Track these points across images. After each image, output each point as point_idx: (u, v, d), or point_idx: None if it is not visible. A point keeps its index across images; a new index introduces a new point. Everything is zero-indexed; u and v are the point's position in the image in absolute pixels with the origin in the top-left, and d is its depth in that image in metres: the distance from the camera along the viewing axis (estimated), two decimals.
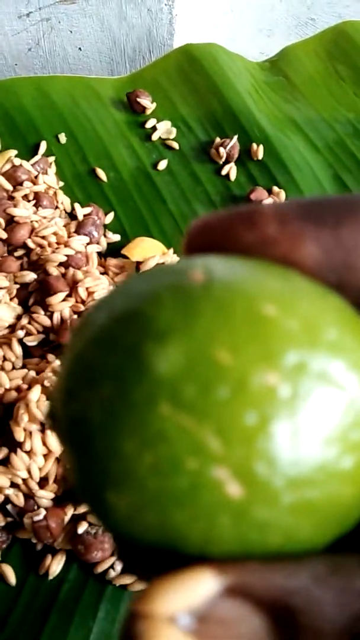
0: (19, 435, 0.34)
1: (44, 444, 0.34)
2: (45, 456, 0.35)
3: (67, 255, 0.40)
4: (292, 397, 0.09)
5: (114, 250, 0.44)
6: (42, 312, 0.39)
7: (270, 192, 0.47)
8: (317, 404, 0.10)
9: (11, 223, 0.42)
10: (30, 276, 0.40)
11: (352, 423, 0.10)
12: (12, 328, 0.39)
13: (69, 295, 0.39)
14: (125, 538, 0.10)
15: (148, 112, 0.51)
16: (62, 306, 0.38)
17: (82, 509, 0.34)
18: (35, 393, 0.35)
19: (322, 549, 0.10)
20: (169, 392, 0.09)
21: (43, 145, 0.48)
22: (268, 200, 0.45)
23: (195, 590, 0.09)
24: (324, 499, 0.10)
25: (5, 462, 0.34)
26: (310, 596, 0.09)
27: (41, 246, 0.41)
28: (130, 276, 0.09)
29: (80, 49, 0.69)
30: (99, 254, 0.44)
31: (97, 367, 0.10)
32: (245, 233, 0.12)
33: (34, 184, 0.45)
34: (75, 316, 0.39)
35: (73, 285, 0.39)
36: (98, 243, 0.44)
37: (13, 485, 0.34)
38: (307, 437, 0.09)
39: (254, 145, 0.49)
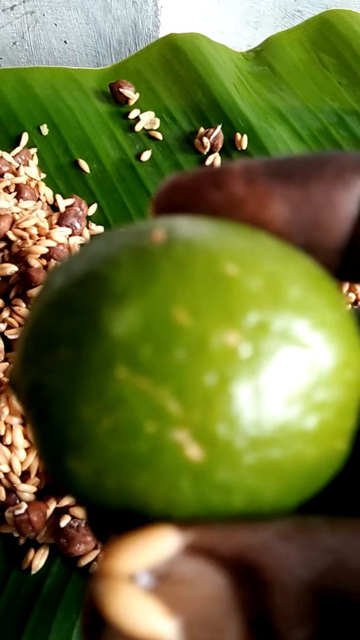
0: (0, 428, 0.34)
1: (25, 437, 0.34)
2: (27, 450, 0.34)
3: (48, 247, 0.40)
4: (253, 357, 0.09)
5: None
6: (24, 305, 0.38)
7: None
8: (279, 364, 0.09)
9: None
10: (11, 268, 0.39)
11: (315, 382, 0.09)
12: None
13: None
14: (89, 503, 0.10)
15: (131, 102, 0.51)
16: None
17: (64, 502, 0.33)
18: None
19: (288, 513, 0.10)
20: (126, 354, 0.09)
21: (25, 137, 0.48)
22: None
23: (155, 548, 0.09)
24: (287, 460, 0.09)
25: None
26: (274, 552, 0.09)
27: (22, 238, 0.40)
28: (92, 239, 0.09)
29: (65, 42, 0.69)
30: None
31: (54, 331, 0.10)
32: (213, 193, 0.11)
33: (15, 175, 0.44)
34: None
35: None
36: (81, 235, 0.43)
37: None
38: (269, 397, 0.09)
39: (238, 135, 0.48)
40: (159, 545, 0.09)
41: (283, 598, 0.08)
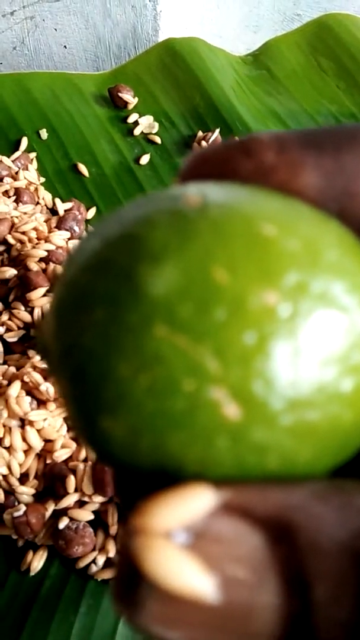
0: None
1: (24, 439, 0.34)
2: (26, 452, 0.34)
3: (47, 251, 0.40)
4: (292, 316, 0.09)
5: None
6: (23, 308, 0.39)
7: None
8: (317, 325, 0.09)
9: None
10: (10, 272, 0.40)
11: (352, 345, 0.10)
12: None
13: (49, 291, 0.39)
14: (122, 465, 0.10)
15: (130, 106, 0.51)
16: (42, 301, 0.38)
17: (63, 504, 0.34)
18: (15, 389, 0.35)
19: (321, 476, 0.10)
20: (165, 313, 0.09)
21: (24, 141, 0.48)
22: None
23: (191, 505, 0.09)
24: (323, 422, 0.09)
25: None
26: (309, 512, 0.09)
27: (21, 242, 0.41)
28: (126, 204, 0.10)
29: (65, 46, 0.69)
30: None
31: (89, 291, 0.10)
32: (243, 162, 0.11)
33: (15, 179, 0.45)
34: None
35: (54, 281, 0.39)
36: (80, 238, 0.44)
37: None
38: (307, 358, 0.09)
39: (236, 139, 0.48)
40: (195, 503, 0.09)
41: (319, 559, 0.08)
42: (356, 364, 0.10)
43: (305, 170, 0.11)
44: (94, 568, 0.33)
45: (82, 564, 0.33)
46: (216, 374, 0.09)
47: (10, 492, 0.34)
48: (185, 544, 0.08)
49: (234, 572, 0.08)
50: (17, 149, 0.48)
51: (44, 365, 0.36)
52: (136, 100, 0.51)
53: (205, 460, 0.09)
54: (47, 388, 0.35)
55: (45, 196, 0.46)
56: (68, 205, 0.45)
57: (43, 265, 0.40)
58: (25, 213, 0.43)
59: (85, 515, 0.34)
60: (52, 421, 0.35)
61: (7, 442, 0.34)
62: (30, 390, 0.35)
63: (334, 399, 0.09)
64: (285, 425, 0.09)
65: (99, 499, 0.34)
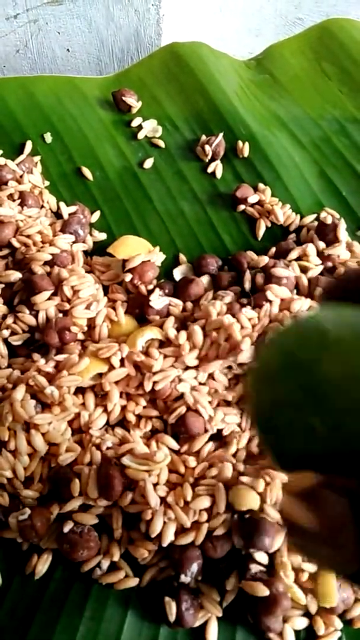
0: (4, 434, 0.34)
1: (29, 443, 0.34)
2: (30, 456, 0.34)
3: (52, 254, 0.40)
4: None
5: (101, 249, 0.44)
6: (27, 312, 0.39)
7: (255, 189, 0.47)
8: None
9: None
10: (15, 275, 0.40)
11: None
12: None
13: (54, 294, 0.39)
14: (284, 452, 0.18)
15: (134, 110, 0.51)
16: (47, 305, 0.38)
17: (67, 508, 0.34)
18: (20, 392, 0.35)
19: None
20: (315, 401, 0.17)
21: (28, 145, 0.48)
22: (253, 197, 0.45)
23: (306, 480, 0.17)
24: None
25: None
26: None
27: (26, 245, 0.41)
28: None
29: (68, 50, 0.69)
30: (86, 252, 0.44)
31: (275, 368, 0.18)
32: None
33: (19, 183, 0.45)
34: (60, 315, 0.38)
35: (58, 284, 0.39)
36: (84, 242, 0.44)
37: None
38: None
39: (240, 143, 0.49)
40: (308, 479, 0.17)
41: None
42: None
43: None
44: (98, 572, 0.33)
45: (87, 567, 0.33)
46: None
47: (15, 495, 0.34)
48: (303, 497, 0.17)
49: (329, 514, 0.16)
50: (21, 152, 0.48)
51: (48, 369, 0.36)
52: (140, 104, 0.51)
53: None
54: (52, 391, 0.35)
55: (50, 200, 0.46)
56: (72, 208, 0.45)
57: (47, 268, 0.40)
58: (29, 216, 0.43)
59: (90, 519, 0.34)
60: (56, 425, 0.35)
61: (12, 446, 0.34)
62: (35, 394, 0.35)
63: None
64: None
65: (103, 503, 0.34)
